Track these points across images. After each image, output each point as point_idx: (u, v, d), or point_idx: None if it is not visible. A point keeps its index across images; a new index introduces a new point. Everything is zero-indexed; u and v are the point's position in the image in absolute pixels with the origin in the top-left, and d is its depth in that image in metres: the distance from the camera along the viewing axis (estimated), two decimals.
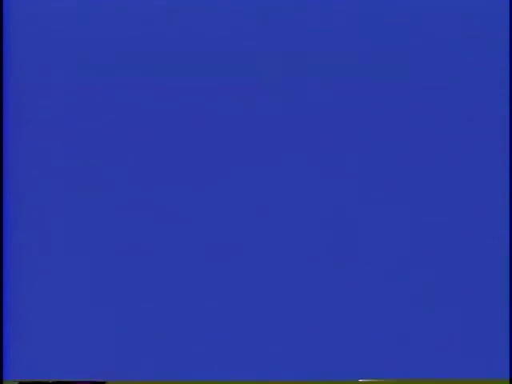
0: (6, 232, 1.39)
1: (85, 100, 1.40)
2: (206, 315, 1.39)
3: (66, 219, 1.40)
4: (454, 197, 1.39)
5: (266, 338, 1.39)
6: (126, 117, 1.40)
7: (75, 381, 1.40)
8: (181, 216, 1.40)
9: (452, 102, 1.39)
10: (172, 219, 1.40)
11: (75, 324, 1.39)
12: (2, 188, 1.39)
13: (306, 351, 1.39)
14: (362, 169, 1.39)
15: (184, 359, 1.39)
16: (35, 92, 1.40)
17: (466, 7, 1.39)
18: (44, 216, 1.40)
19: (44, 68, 1.40)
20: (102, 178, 1.40)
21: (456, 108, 1.39)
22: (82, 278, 1.39)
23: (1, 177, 1.39)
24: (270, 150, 1.39)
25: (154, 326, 1.39)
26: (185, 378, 1.40)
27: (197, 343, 1.39)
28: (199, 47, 1.40)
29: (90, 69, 1.40)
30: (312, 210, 1.39)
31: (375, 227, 1.39)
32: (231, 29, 1.40)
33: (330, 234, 1.39)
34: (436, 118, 1.39)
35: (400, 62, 1.39)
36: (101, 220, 1.40)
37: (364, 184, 1.39)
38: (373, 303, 1.38)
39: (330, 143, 1.39)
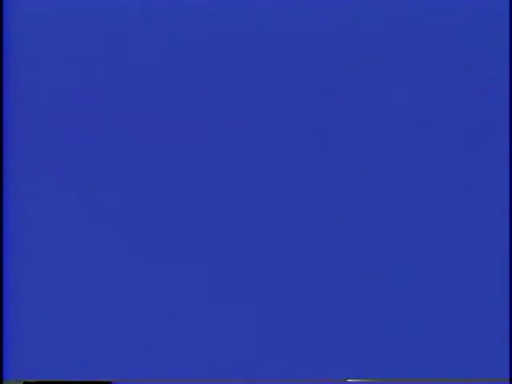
0: (6, 232, 1.39)
1: (85, 100, 1.40)
2: (206, 315, 1.39)
3: (66, 219, 1.40)
4: (454, 197, 1.39)
5: (266, 338, 1.39)
6: (127, 117, 1.40)
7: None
8: (182, 218, 1.40)
9: (452, 102, 1.39)
10: (172, 220, 1.40)
11: (75, 324, 1.40)
12: (2, 188, 1.39)
13: (307, 351, 1.39)
14: (361, 168, 1.39)
15: (184, 359, 1.40)
16: (35, 92, 1.40)
17: (466, 7, 1.39)
18: (45, 216, 1.40)
19: (44, 68, 1.40)
20: (102, 178, 1.40)
21: (456, 107, 1.39)
22: (83, 279, 1.39)
23: (1, 177, 1.39)
24: (270, 150, 1.39)
25: (155, 325, 1.39)
26: (185, 377, 1.40)
27: (196, 343, 1.39)
28: (201, 48, 1.40)
29: (89, 69, 1.40)
30: (316, 211, 1.39)
31: (375, 226, 1.39)
32: (227, 31, 1.40)
33: (329, 233, 1.39)
34: (436, 118, 1.39)
35: (400, 62, 1.39)
36: (101, 220, 1.40)
37: (364, 184, 1.39)
38: (373, 303, 1.38)
39: (329, 143, 1.39)
